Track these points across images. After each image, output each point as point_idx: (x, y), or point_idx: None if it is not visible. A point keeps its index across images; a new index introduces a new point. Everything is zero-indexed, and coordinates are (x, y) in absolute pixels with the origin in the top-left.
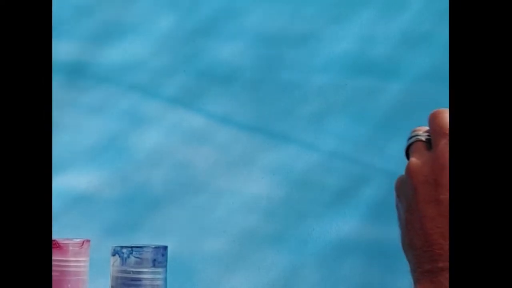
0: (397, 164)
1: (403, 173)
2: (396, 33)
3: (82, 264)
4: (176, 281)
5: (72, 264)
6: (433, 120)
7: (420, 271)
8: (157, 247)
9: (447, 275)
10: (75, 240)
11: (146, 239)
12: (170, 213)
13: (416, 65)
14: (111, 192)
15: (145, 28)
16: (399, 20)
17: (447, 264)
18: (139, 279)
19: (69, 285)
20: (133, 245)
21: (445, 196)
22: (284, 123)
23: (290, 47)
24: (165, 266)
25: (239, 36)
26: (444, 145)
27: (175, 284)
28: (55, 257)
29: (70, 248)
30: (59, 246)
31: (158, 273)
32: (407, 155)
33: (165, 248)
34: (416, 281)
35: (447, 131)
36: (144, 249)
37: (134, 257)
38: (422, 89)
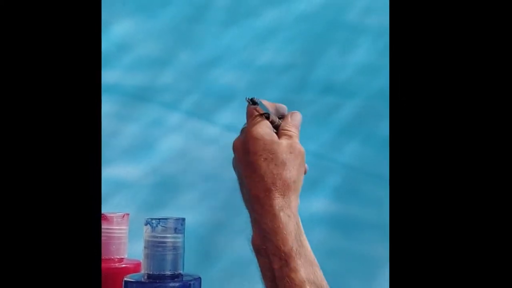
0: (353, 159)
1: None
2: (352, 63)
3: (123, 231)
4: (191, 244)
5: (116, 231)
6: (247, 110)
7: (265, 210)
8: (177, 219)
9: (293, 202)
10: (118, 213)
11: (170, 213)
12: (188, 195)
13: (367, 87)
14: (145, 181)
15: (169, 60)
16: (355, 53)
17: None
18: (164, 242)
19: (113, 247)
20: (160, 217)
21: (251, 159)
22: None
23: (275, 74)
24: (183, 233)
25: (237, 66)
26: (248, 125)
27: (191, 247)
28: (103, 226)
29: (115, 219)
30: (106, 218)
31: (178, 237)
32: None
33: (183, 219)
34: (264, 219)
35: (251, 116)
36: (168, 220)
37: (161, 226)
38: (371, 104)
